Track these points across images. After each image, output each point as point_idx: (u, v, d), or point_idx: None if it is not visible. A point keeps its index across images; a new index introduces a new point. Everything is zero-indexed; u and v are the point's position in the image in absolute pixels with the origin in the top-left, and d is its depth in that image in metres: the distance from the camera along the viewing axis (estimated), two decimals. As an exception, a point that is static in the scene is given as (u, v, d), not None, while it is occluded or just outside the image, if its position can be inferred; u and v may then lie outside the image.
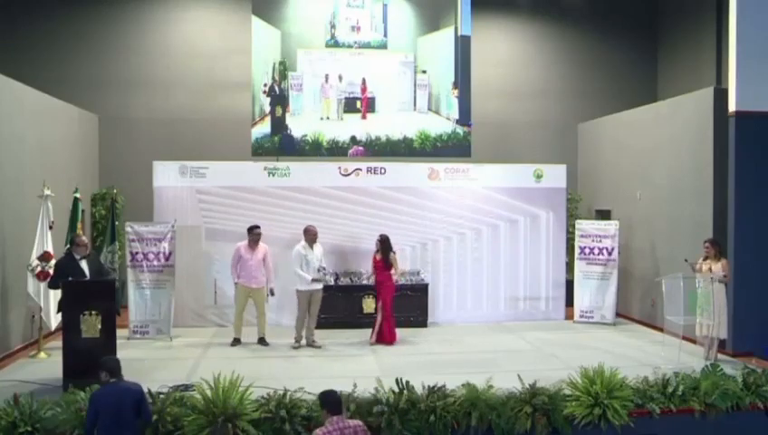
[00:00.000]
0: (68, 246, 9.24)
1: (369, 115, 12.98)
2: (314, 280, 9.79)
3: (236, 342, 9.92)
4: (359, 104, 12.95)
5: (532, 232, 11.93)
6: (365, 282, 10.95)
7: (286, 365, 8.76)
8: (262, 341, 9.97)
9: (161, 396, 6.66)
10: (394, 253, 10.21)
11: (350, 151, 12.76)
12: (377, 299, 10.25)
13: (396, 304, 10.62)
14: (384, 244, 10.15)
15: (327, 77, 12.89)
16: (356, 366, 8.60)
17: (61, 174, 10.73)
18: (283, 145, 12.76)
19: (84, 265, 8.32)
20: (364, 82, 12.95)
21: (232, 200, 11.23)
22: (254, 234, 10.03)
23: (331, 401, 5.43)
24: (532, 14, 14.23)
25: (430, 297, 11.32)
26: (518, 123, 14.22)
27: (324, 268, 9.96)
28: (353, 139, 12.77)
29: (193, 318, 11.07)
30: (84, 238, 8.87)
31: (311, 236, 9.89)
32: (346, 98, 12.97)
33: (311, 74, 12.92)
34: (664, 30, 14.51)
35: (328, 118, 12.91)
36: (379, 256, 10.18)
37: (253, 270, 9.96)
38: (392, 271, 10.11)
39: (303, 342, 9.80)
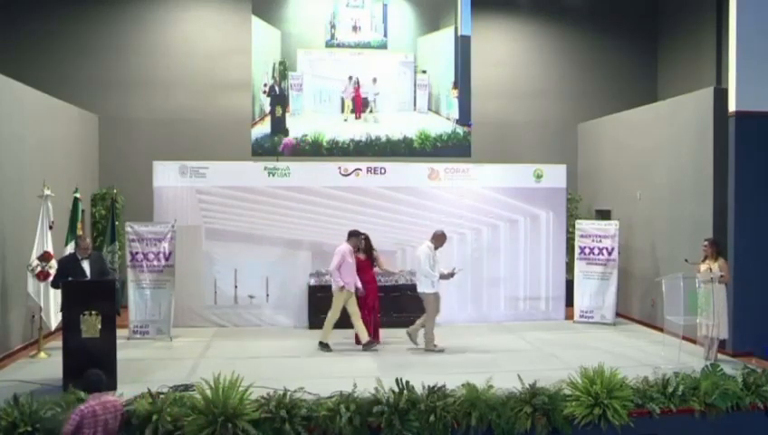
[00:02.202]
0: (68, 246, 9.28)
1: (367, 115, 12.98)
2: (442, 277, 9.68)
3: (328, 347, 9.64)
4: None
5: (532, 232, 11.93)
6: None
7: (286, 365, 8.76)
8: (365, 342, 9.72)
9: (161, 396, 6.66)
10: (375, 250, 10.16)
11: (281, 147, 12.72)
12: (366, 297, 9.89)
13: (396, 304, 10.64)
14: (367, 241, 10.04)
15: (351, 78, 12.90)
16: (356, 366, 8.59)
17: (61, 174, 10.72)
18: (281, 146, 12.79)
19: (86, 265, 8.35)
20: (358, 81, 12.95)
21: (232, 200, 11.23)
22: (359, 238, 9.90)
23: (93, 380, 5.84)
24: (532, 14, 14.23)
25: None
26: (518, 123, 14.22)
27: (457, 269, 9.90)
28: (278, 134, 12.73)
29: (193, 318, 11.07)
30: (88, 241, 8.89)
31: (441, 240, 9.73)
32: (344, 98, 12.97)
33: (311, 74, 12.92)
34: (664, 30, 14.51)
35: (345, 120, 12.93)
36: (363, 256, 9.98)
37: (354, 274, 9.77)
38: (376, 269, 10.05)
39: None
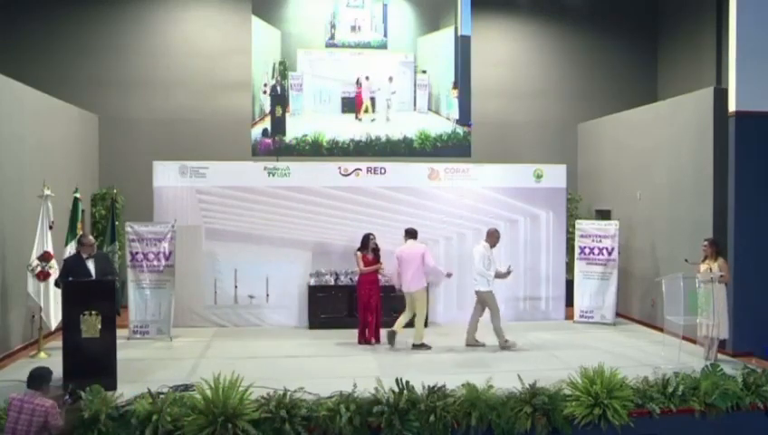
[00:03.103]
0: (68, 245, 9.28)
1: (367, 115, 12.99)
2: (497, 277, 9.82)
3: (426, 346, 9.70)
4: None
5: (533, 232, 11.93)
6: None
7: (286, 365, 8.76)
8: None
9: (161, 396, 6.66)
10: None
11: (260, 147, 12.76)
12: (368, 299, 9.98)
13: (396, 303, 10.62)
14: (375, 243, 10.15)
15: (367, 77, 12.94)
16: (356, 366, 8.58)
17: (61, 174, 10.73)
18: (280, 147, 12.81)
19: (90, 264, 8.36)
20: (358, 81, 12.95)
21: (232, 200, 11.23)
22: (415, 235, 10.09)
23: (31, 376, 6.03)
24: (532, 14, 14.23)
25: (430, 297, 11.29)
26: (518, 123, 14.22)
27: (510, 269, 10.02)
28: (265, 131, 12.77)
29: (193, 318, 11.07)
30: (91, 238, 8.88)
31: (494, 237, 9.91)
32: (344, 98, 12.98)
33: (310, 74, 12.92)
34: (664, 30, 14.51)
35: (360, 119, 12.94)
36: (371, 256, 10.09)
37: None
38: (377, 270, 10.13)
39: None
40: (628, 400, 6.93)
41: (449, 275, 10.20)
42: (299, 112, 12.88)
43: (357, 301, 10.19)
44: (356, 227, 11.16)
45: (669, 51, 14.28)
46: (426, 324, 10.43)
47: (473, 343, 9.80)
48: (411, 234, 10.02)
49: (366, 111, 13.02)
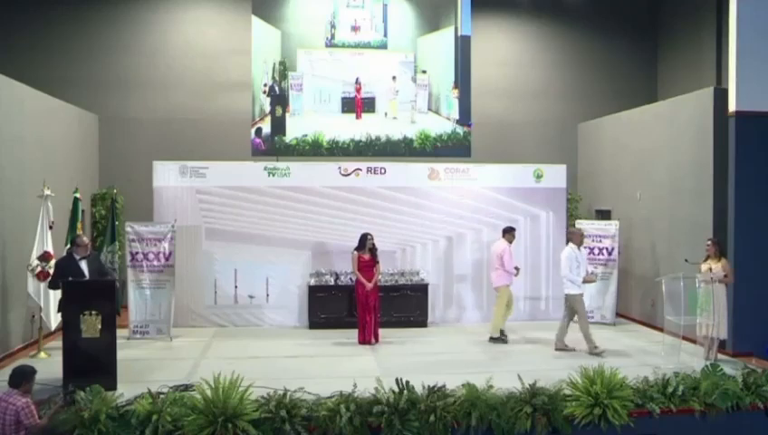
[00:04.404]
0: (68, 246, 9.26)
1: (369, 115, 12.98)
2: (585, 281, 9.73)
3: (502, 340, 10.13)
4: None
5: (533, 232, 11.93)
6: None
7: (286, 365, 8.76)
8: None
9: (161, 396, 6.66)
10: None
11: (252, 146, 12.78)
12: (366, 299, 9.99)
13: (396, 303, 10.64)
14: (373, 242, 10.15)
15: (394, 78, 12.97)
16: (356, 366, 8.58)
17: (61, 174, 10.73)
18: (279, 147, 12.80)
19: (84, 265, 8.33)
20: (358, 81, 12.94)
21: (232, 200, 11.23)
22: (512, 233, 10.56)
23: (13, 373, 6.11)
24: (533, 14, 14.23)
25: (430, 297, 11.32)
26: (518, 123, 14.22)
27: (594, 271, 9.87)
28: (258, 131, 12.75)
29: (193, 318, 11.07)
30: (85, 239, 8.87)
31: (576, 237, 9.89)
32: (344, 98, 12.97)
33: (310, 74, 12.92)
34: (664, 30, 14.51)
35: (395, 118, 12.98)
36: (368, 256, 10.08)
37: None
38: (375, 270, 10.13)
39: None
40: (628, 400, 6.93)
41: (516, 272, 10.45)
42: (299, 112, 12.87)
43: (356, 301, 10.17)
44: (356, 227, 11.17)
45: (669, 51, 14.28)
46: (425, 325, 10.44)
47: (562, 348, 9.55)
48: (503, 231, 10.49)
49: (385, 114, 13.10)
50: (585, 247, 11.63)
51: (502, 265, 10.22)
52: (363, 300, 9.97)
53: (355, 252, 10.08)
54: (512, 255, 10.36)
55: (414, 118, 13.04)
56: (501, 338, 10.07)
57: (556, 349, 9.56)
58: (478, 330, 10.97)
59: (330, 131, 12.88)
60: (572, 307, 9.60)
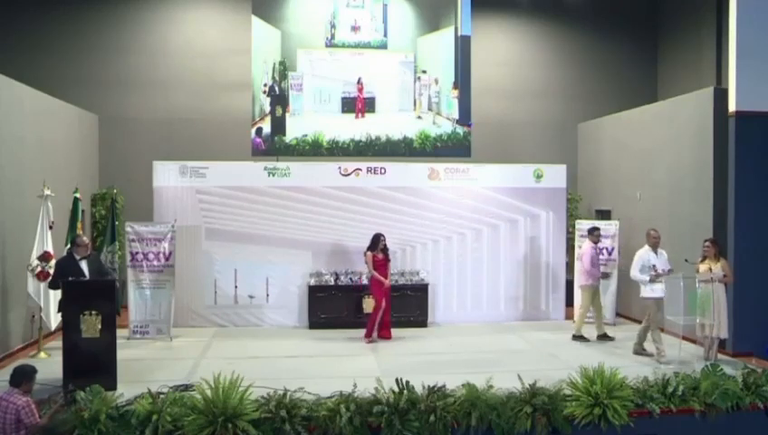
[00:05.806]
0: (68, 246, 9.26)
1: (369, 115, 12.98)
2: (652, 281, 9.32)
3: (584, 338, 10.27)
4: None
5: (532, 232, 11.93)
6: (365, 282, 10.92)
7: (286, 365, 8.76)
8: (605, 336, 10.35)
9: (161, 396, 6.66)
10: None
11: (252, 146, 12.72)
12: (381, 298, 10.13)
13: (396, 303, 10.64)
14: (385, 243, 10.26)
15: (420, 77, 12.99)
16: (356, 366, 8.58)
17: (61, 174, 10.72)
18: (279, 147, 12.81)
19: (84, 265, 8.32)
20: (360, 81, 12.94)
21: (232, 200, 11.23)
22: (596, 234, 10.76)
23: (13, 373, 6.15)
24: (533, 14, 14.23)
25: (430, 297, 11.32)
26: (518, 123, 14.22)
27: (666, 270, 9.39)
28: (258, 131, 12.73)
29: (193, 318, 11.07)
30: (85, 239, 8.88)
31: (649, 238, 9.59)
32: (344, 98, 12.97)
33: (310, 74, 12.92)
34: (664, 30, 14.50)
35: (420, 117, 13.02)
36: (381, 256, 10.20)
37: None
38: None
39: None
40: (628, 400, 6.93)
41: (601, 275, 10.75)
42: (299, 112, 12.87)
43: (374, 298, 10.23)
44: (356, 227, 11.19)
45: (669, 51, 14.27)
46: (425, 325, 10.42)
47: (639, 352, 9.37)
48: (587, 232, 10.82)
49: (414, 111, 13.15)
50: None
51: (587, 264, 10.45)
52: (381, 297, 10.09)
53: (369, 252, 10.17)
54: (593, 255, 10.51)
55: (436, 121, 13.09)
56: (580, 337, 10.24)
57: (634, 353, 9.38)
58: (478, 330, 10.98)
59: (330, 131, 12.88)
60: (647, 310, 9.31)
